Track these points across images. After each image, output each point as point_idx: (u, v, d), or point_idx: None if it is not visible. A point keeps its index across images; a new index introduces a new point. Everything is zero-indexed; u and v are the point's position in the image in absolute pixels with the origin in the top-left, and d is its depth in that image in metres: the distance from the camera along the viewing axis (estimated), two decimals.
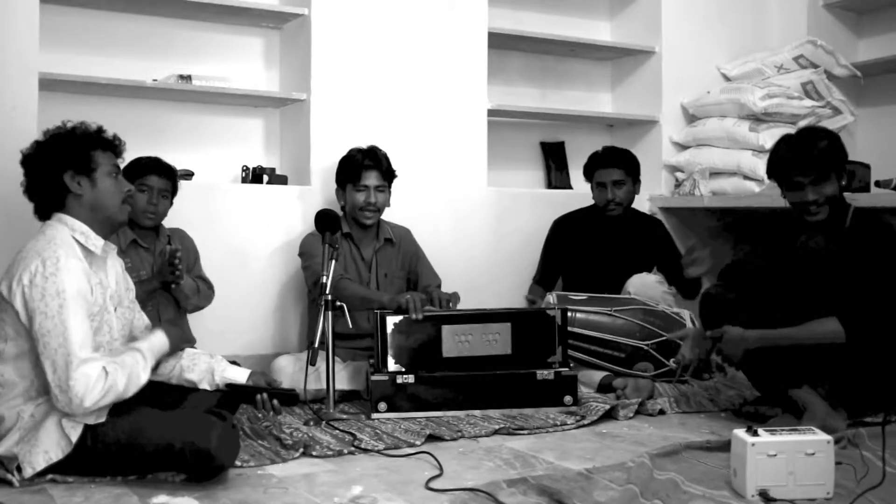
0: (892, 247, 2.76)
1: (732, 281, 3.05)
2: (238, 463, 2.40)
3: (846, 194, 2.93)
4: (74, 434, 2.22)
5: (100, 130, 2.40)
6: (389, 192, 3.54)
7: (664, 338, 3.50)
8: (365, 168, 3.45)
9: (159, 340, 2.45)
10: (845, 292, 2.74)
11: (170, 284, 3.12)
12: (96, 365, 2.19)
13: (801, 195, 2.81)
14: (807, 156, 2.79)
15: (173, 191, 3.24)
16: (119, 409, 2.29)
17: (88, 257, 2.32)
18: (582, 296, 3.71)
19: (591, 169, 3.97)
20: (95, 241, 2.33)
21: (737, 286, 3.00)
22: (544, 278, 4.08)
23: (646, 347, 3.50)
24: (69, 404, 2.16)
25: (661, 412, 3.11)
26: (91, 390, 2.16)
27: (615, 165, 3.89)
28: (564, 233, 4.07)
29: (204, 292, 3.31)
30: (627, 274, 3.82)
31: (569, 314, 3.26)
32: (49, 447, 2.21)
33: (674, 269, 3.86)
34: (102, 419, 2.25)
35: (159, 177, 3.18)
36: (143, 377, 2.30)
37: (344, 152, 3.57)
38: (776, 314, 2.96)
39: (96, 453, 2.23)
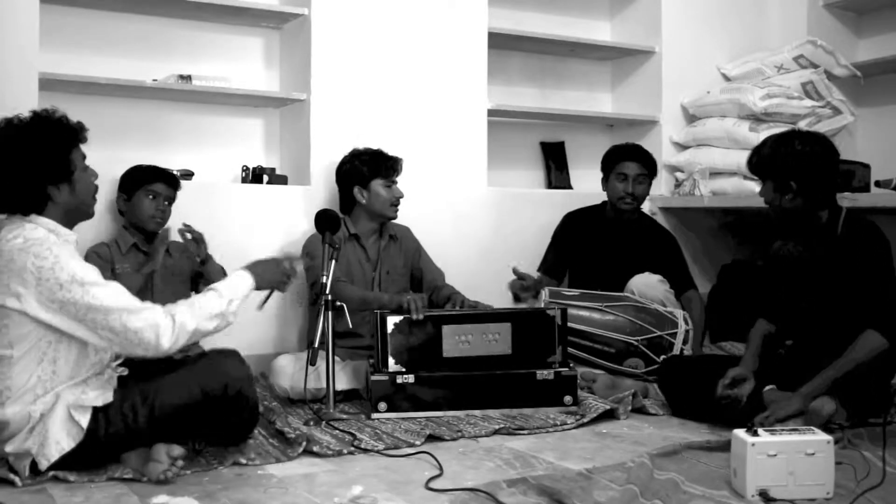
0: (885, 250, 2.76)
1: (731, 281, 3.05)
2: (242, 461, 2.42)
3: (846, 195, 2.92)
4: (84, 420, 2.23)
5: (68, 123, 2.33)
6: None
7: (655, 334, 3.49)
8: (397, 163, 3.54)
9: (238, 277, 2.43)
10: (862, 303, 2.72)
11: (202, 266, 3.24)
12: (156, 310, 2.23)
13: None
14: (752, 156, 2.85)
15: (174, 199, 3.31)
16: (124, 383, 2.32)
17: None
18: (575, 291, 3.71)
19: (614, 160, 3.94)
20: (68, 237, 2.32)
21: (735, 286, 3.00)
22: (551, 269, 4.07)
23: (636, 343, 3.49)
24: (149, 353, 2.22)
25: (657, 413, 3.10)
26: (162, 334, 2.20)
27: (640, 161, 3.91)
28: (574, 228, 4.07)
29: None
30: (631, 276, 3.82)
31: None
32: (60, 437, 2.22)
33: (678, 280, 3.87)
34: (110, 399, 2.26)
35: (167, 185, 3.25)
36: (220, 310, 2.31)
37: (344, 152, 3.57)
38: (774, 320, 2.97)
39: (111, 434, 2.25)
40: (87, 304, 2.17)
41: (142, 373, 2.41)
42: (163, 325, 2.21)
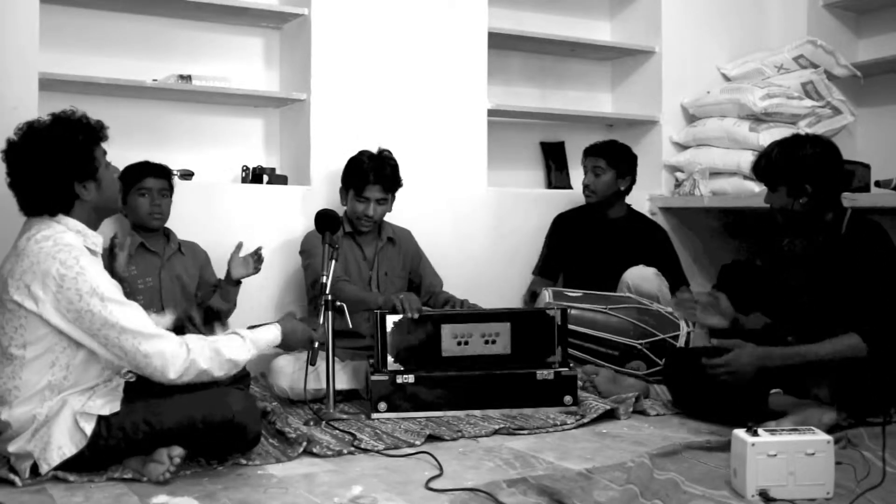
0: (889, 253, 2.75)
1: (731, 280, 3.04)
2: (242, 461, 2.41)
3: (846, 195, 2.92)
4: (89, 427, 2.23)
5: (88, 122, 2.33)
6: (393, 199, 3.52)
7: (658, 337, 3.50)
8: (370, 182, 3.41)
9: (266, 331, 2.42)
10: (856, 304, 2.71)
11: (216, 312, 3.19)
12: (173, 340, 2.22)
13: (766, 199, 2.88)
14: (759, 161, 2.86)
15: (171, 188, 3.26)
16: (133, 397, 2.31)
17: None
18: (577, 292, 3.72)
19: (584, 157, 4.11)
20: (95, 240, 2.33)
21: (735, 286, 3.00)
22: (545, 270, 4.13)
23: (639, 346, 3.50)
24: (154, 379, 2.22)
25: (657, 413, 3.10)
26: (171, 363, 2.20)
27: (599, 155, 4.02)
28: (564, 228, 4.14)
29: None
30: (622, 273, 3.83)
31: None
32: (63, 443, 2.22)
33: (669, 274, 3.88)
34: (116, 409, 2.26)
35: (156, 177, 3.21)
36: (237, 359, 2.30)
37: (344, 152, 3.57)
38: (775, 318, 2.97)
39: (111, 446, 2.25)
40: (104, 319, 2.17)
41: (148, 385, 2.39)
42: (171, 356, 2.20)
